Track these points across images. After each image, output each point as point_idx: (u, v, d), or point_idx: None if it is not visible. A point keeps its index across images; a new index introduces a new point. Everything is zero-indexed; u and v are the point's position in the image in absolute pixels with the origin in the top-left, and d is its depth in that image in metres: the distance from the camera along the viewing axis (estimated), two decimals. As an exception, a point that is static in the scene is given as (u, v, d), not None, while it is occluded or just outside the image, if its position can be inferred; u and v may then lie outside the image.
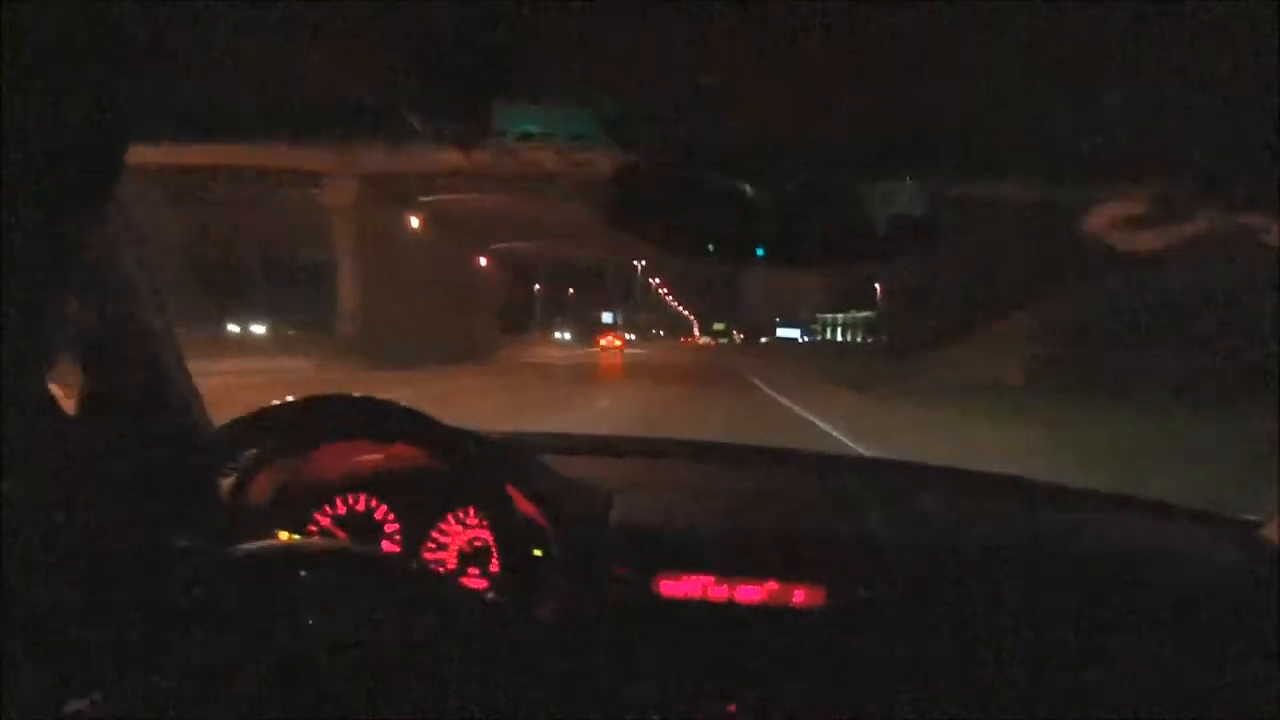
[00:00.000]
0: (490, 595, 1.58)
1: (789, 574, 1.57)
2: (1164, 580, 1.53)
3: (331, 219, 18.66)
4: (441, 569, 1.73)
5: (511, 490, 1.56)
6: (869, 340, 38.39)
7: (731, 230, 1.58)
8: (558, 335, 48.65)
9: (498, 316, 33.28)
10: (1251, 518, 1.59)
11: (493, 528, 1.68)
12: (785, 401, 13.14)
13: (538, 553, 1.57)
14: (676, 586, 1.59)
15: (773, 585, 1.57)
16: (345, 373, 14.08)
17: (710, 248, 1.59)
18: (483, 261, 30.65)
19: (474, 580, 1.72)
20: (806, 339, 51.68)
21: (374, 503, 1.78)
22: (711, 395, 14.24)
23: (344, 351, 16.21)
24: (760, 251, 1.58)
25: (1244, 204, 1.54)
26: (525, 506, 1.57)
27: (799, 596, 1.57)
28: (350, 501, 1.78)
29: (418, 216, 20.98)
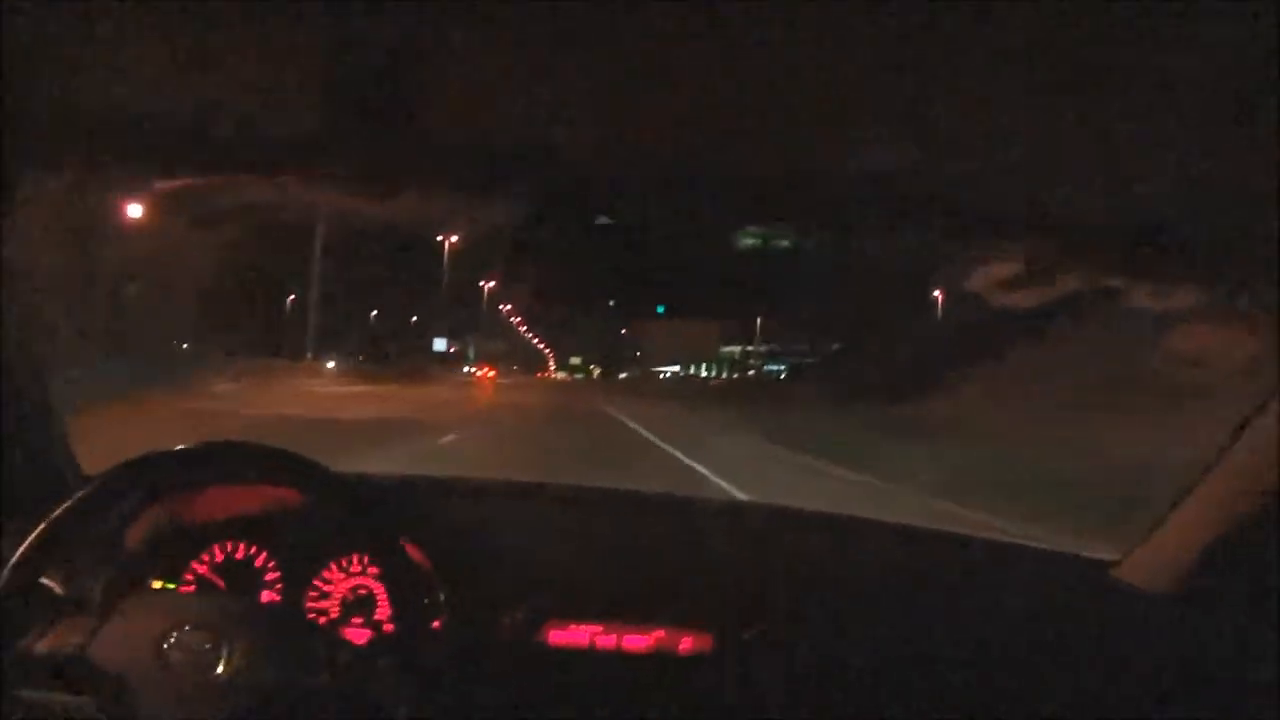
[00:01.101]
0: (373, 645, 1.56)
1: (674, 620, 1.58)
2: (1025, 619, 1.57)
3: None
4: (324, 618, 1.70)
5: (401, 537, 1.53)
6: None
7: (633, 289, 1.35)
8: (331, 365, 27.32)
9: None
10: (1106, 558, 1.65)
11: (382, 575, 1.65)
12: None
13: (426, 601, 1.55)
14: (564, 635, 1.59)
15: (659, 633, 1.59)
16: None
17: (610, 303, 1.22)
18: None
19: (357, 630, 1.68)
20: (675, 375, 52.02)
21: (254, 550, 1.74)
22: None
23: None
24: (660, 309, 1.34)
25: (1109, 268, 1.60)
26: (415, 554, 1.56)
27: (686, 643, 1.58)
28: (229, 549, 1.74)
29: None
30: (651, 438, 11.94)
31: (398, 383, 22.06)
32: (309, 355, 26.50)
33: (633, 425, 13.97)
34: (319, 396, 17.60)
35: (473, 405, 19.87)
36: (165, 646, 1.30)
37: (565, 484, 2.09)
